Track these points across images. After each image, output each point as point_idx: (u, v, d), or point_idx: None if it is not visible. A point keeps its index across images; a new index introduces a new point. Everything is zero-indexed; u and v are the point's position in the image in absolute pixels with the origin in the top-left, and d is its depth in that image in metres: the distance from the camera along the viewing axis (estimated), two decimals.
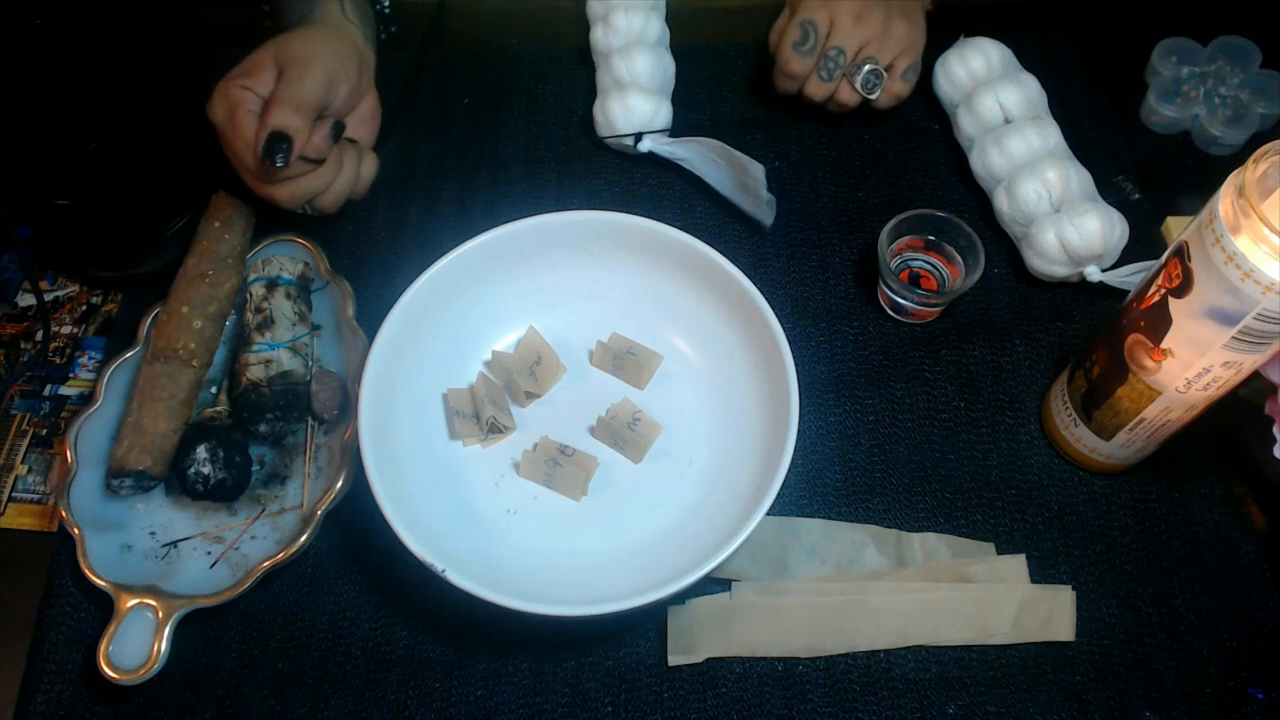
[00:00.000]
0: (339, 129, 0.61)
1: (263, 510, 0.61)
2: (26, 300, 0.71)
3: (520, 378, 0.63)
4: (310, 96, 0.59)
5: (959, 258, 0.67)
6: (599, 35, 0.75)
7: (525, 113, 0.77)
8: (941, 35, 0.74)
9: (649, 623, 0.58)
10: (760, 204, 0.69)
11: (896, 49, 0.69)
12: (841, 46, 0.68)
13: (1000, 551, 0.60)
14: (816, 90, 0.70)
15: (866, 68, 0.69)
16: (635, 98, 0.70)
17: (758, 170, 0.68)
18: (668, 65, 0.75)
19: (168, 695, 0.57)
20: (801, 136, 0.75)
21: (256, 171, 0.60)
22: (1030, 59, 0.72)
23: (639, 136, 0.71)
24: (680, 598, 0.58)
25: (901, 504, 0.62)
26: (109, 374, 0.62)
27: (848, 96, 0.70)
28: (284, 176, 0.60)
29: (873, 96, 0.70)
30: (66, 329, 0.69)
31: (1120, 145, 0.74)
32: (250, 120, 0.59)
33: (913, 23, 0.70)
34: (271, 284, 0.64)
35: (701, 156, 0.71)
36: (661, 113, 0.72)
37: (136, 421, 0.59)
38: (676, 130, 0.73)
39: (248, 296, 0.64)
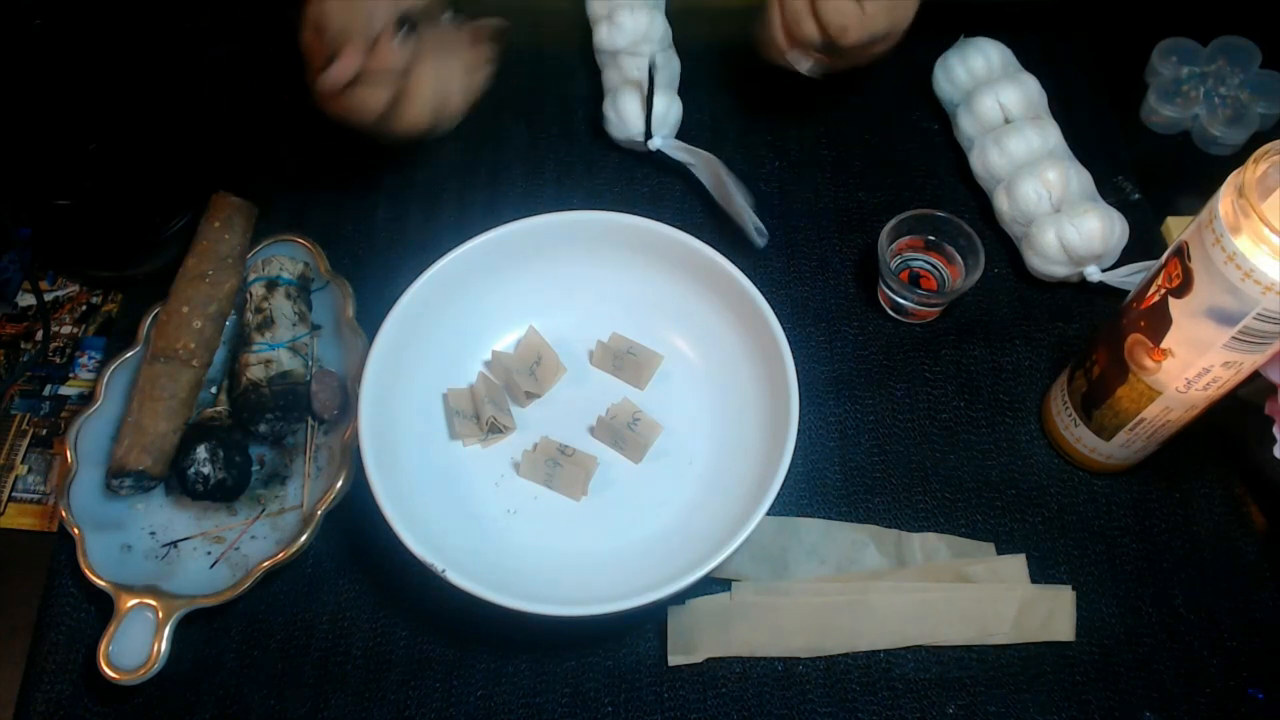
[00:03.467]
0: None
1: (263, 510, 0.61)
2: (26, 300, 0.71)
3: (520, 378, 0.63)
4: None
5: (959, 258, 0.67)
6: (604, 35, 0.74)
7: (525, 113, 0.77)
8: (941, 35, 0.74)
9: (649, 623, 0.58)
10: (749, 229, 0.69)
11: None
12: None
13: (1000, 551, 0.60)
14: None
15: None
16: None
17: (746, 199, 0.68)
18: (674, 63, 0.75)
19: (168, 695, 0.57)
20: (801, 136, 0.75)
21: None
22: (1030, 59, 0.72)
23: (650, 134, 0.71)
24: (680, 598, 0.58)
25: (901, 504, 0.62)
26: (109, 374, 0.62)
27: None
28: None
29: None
30: (66, 329, 0.69)
31: (1120, 145, 0.74)
32: None
33: None
34: (271, 284, 0.64)
35: (700, 170, 0.71)
36: (673, 110, 0.72)
37: (136, 421, 0.59)
38: (680, 130, 0.73)
39: (248, 296, 0.64)
